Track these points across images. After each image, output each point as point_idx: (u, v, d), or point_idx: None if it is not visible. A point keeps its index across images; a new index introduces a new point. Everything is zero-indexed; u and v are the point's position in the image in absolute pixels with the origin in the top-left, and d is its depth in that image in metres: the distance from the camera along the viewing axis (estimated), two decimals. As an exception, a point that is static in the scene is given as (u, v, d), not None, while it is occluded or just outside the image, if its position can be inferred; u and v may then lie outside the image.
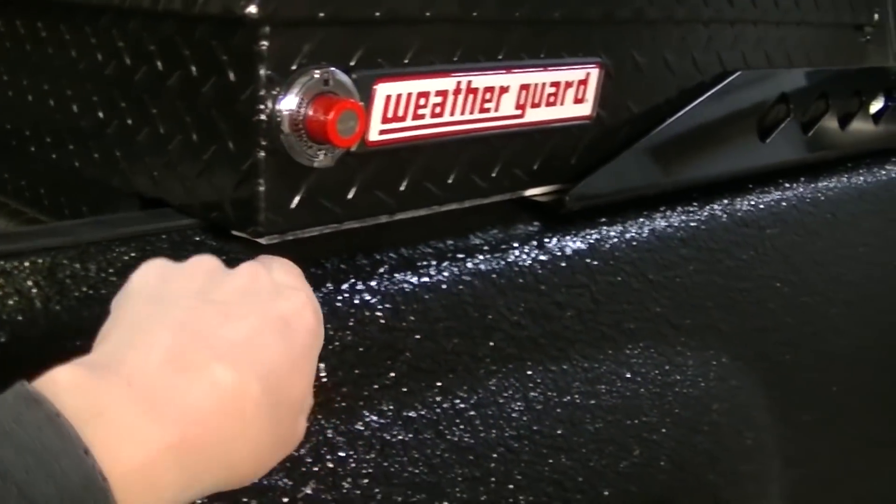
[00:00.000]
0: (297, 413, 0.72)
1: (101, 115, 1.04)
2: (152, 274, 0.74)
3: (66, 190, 1.18)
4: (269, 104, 0.84)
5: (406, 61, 0.92)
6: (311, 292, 0.77)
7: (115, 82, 1.01)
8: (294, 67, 0.84)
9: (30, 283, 0.80)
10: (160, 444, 0.59)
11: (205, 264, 0.76)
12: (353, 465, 0.88)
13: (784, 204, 1.36)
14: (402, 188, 0.96)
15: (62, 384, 0.59)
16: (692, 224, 1.20)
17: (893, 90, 1.61)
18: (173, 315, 0.67)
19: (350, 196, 0.91)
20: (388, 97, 0.91)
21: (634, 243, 1.12)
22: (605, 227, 1.10)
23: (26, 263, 0.81)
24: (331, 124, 0.83)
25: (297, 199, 0.88)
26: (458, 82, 0.96)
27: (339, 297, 0.87)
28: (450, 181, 1.00)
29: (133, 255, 0.86)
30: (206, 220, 0.93)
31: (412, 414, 0.92)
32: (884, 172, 1.58)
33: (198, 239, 0.91)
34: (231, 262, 0.82)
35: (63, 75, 1.10)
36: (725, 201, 1.27)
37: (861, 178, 1.53)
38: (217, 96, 0.88)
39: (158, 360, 0.63)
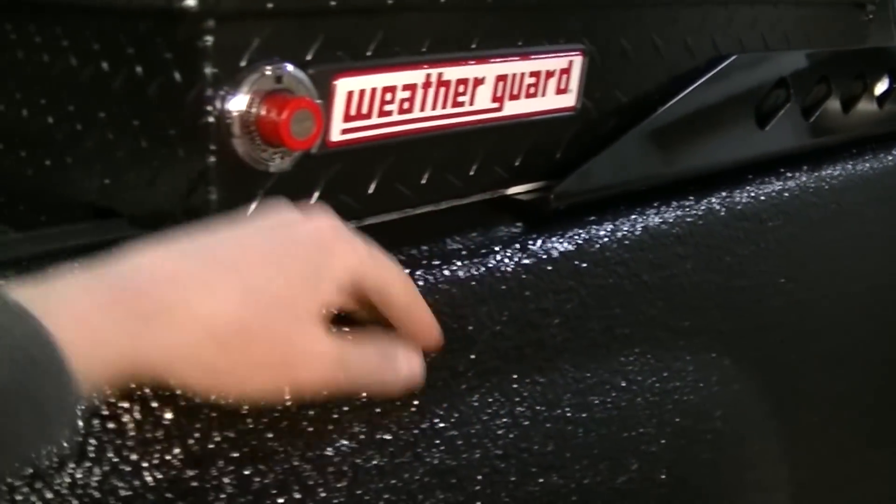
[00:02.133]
0: (282, 314, 0.67)
1: (49, 120, 0.97)
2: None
3: (23, 199, 1.11)
4: (217, 104, 0.77)
5: (369, 53, 0.85)
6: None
7: (61, 84, 0.94)
8: (243, 64, 0.77)
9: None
10: (94, 301, 0.60)
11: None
12: (324, 494, 0.80)
13: (786, 194, 1.28)
14: (369, 191, 0.89)
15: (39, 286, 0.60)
16: (688, 220, 1.12)
17: (898, 71, 1.54)
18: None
19: (312, 202, 0.84)
20: (350, 93, 0.84)
21: (626, 242, 1.05)
22: (593, 226, 1.03)
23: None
24: (283, 125, 0.76)
25: (252, 207, 0.80)
26: (428, 75, 0.89)
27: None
28: (423, 182, 0.93)
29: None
30: (158, 232, 0.86)
31: (387, 437, 0.84)
32: (890, 158, 1.50)
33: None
34: None
35: (9, 79, 1.02)
36: (723, 194, 1.19)
37: (867, 164, 1.45)
38: (163, 98, 0.81)
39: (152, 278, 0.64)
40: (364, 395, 0.79)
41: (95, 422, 0.66)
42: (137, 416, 0.69)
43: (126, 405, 0.68)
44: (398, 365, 0.76)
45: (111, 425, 0.68)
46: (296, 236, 0.70)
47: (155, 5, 0.78)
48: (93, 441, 0.67)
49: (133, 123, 0.85)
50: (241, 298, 0.65)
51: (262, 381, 0.67)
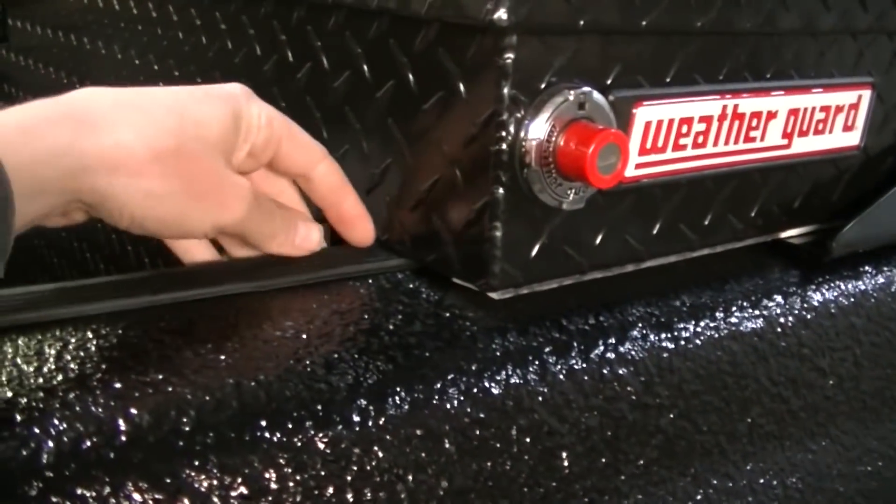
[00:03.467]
0: (213, 147, 0.70)
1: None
2: None
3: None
4: (512, 130, 0.68)
5: (668, 80, 0.76)
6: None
7: (307, 87, 0.87)
8: (543, 86, 0.69)
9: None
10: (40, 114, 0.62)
11: None
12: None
13: None
14: (654, 231, 0.80)
15: None
16: (957, 271, 1.02)
17: None
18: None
19: (597, 242, 0.76)
20: (648, 124, 0.75)
21: (899, 296, 0.95)
22: (868, 277, 0.93)
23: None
24: (590, 160, 0.67)
25: (537, 247, 0.72)
26: (724, 106, 0.80)
27: (587, 368, 0.70)
28: (706, 223, 0.84)
29: (337, 305, 0.72)
30: (420, 262, 0.78)
31: (662, 507, 0.75)
32: None
33: (411, 286, 0.76)
34: (455, 321, 0.70)
35: (243, 74, 0.95)
36: None
37: None
38: (442, 115, 0.73)
39: None
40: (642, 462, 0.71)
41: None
42: (411, 485, 0.62)
43: (400, 471, 0.61)
44: (297, 230, 0.78)
45: (384, 494, 0.61)
46: (220, 91, 0.72)
47: (446, 16, 0.69)
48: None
49: (397, 138, 0.78)
50: (179, 127, 0.67)
51: (195, 212, 0.68)
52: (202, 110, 0.69)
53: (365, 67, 0.80)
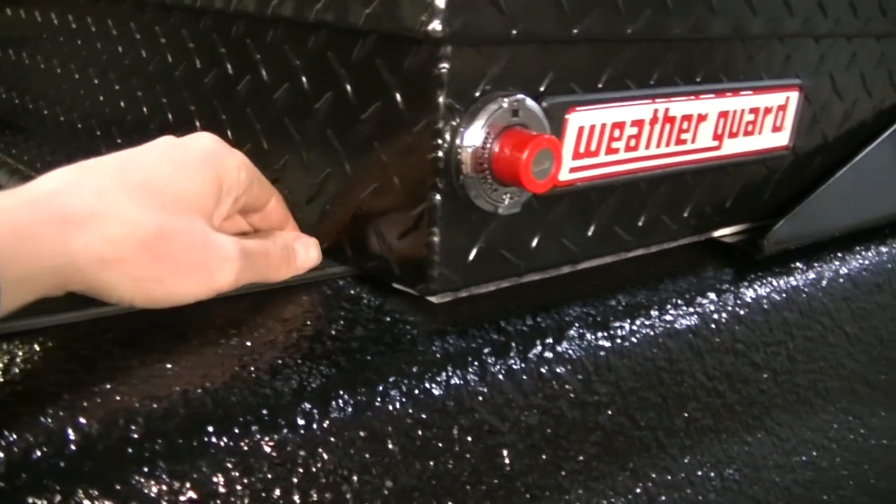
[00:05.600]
0: (195, 218, 0.69)
1: (230, 135, 0.91)
2: None
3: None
4: (448, 137, 0.70)
5: (600, 86, 0.78)
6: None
7: (248, 99, 0.88)
8: (478, 94, 0.71)
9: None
10: (29, 213, 0.62)
11: None
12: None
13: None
14: (589, 233, 0.82)
15: None
16: (888, 266, 1.05)
17: None
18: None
19: (533, 245, 0.78)
20: (581, 129, 0.77)
21: (830, 291, 0.98)
22: (800, 273, 0.96)
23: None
24: (524, 165, 0.69)
25: (475, 251, 0.74)
26: (656, 110, 0.82)
27: (526, 368, 0.72)
28: (640, 224, 0.86)
29: (280, 313, 0.74)
30: (360, 269, 0.79)
31: (602, 503, 0.77)
32: None
33: (353, 292, 0.77)
34: (396, 325, 0.73)
35: (186, 88, 0.97)
36: (920, 238, 1.11)
37: None
38: (380, 125, 0.74)
39: None
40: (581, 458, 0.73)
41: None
42: (356, 486, 0.64)
43: (345, 473, 0.63)
44: (296, 255, 0.79)
45: (330, 495, 0.62)
46: (190, 152, 0.72)
47: (383, 28, 0.71)
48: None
49: (337, 148, 0.79)
50: (162, 207, 0.67)
51: (186, 287, 0.68)
52: (183, 185, 0.69)
53: (304, 79, 0.81)
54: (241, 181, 0.74)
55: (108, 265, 0.64)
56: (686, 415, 0.84)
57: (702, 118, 0.86)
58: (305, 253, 0.79)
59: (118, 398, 0.61)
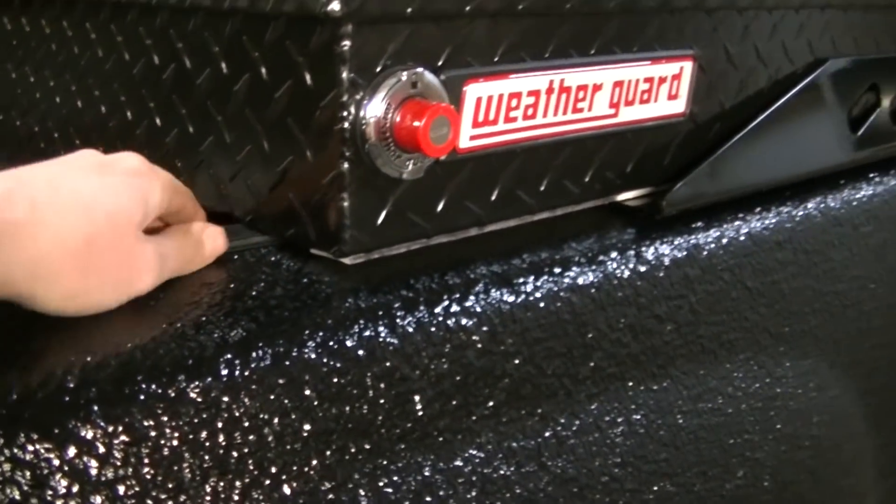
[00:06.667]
0: (120, 231, 0.72)
1: (158, 122, 0.96)
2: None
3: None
4: (353, 110, 0.76)
5: (496, 59, 0.84)
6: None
7: (173, 87, 0.93)
8: (379, 69, 0.77)
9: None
10: None
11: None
12: (454, 505, 0.80)
13: (876, 200, 1.27)
14: (492, 198, 0.88)
15: None
16: (787, 225, 1.11)
17: None
18: None
19: (439, 209, 0.84)
20: (479, 99, 0.83)
21: (731, 248, 1.04)
22: (701, 233, 1.02)
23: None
24: (422, 132, 0.75)
25: (383, 215, 0.80)
26: (551, 80, 0.88)
27: (434, 321, 0.78)
28: (542, 188, 0.92)
29: (205, 279, 0.79)
30: (281, 238, 0.85)
31: (513, 445, 0.83)
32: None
33: (273, 259, 0.83)
34: (312, 285, 0.78)
35: (116, 80, 1.02)
36: (818, 199, 1.18)
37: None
38: (292, 102, 0.80)
39: None
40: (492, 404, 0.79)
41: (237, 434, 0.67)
42: (277, 428, 0.69)
43: (266, 416, 0.69)
44: (205, 247, 0.82)
45: (253, 437, 0.68)
46: (118, 171, 0.74)
47: (287, 9, 0.77)
48: (234, 453, 0.67)
49: (255, 127, 0.84)
50: (93, 222, 0.68)
51: (112, 297, 0.71)
52: (111, 202, 0.71)
53: (223, 64, 0.87)
54: (164, 199, 0.77)
55: (37, 278, 0.66)
56: (592, 364, 0.89)
57: (597, 87, 0.92)
58: (213, 243, 0.83)
59: (55, 354, 0.66)
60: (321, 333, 0.72)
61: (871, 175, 1.30)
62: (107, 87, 1.04)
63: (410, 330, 0.76)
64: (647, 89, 0.98)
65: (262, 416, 0.68)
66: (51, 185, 0.69)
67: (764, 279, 1.09)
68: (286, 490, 0.69)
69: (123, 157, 0.76)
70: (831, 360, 1.22)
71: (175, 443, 0.65)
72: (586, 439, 0.89)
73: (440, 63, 0.80)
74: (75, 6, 1.07)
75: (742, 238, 1.06)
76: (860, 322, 1.28)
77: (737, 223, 1.07)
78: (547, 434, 0.86)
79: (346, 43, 0.75)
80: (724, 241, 1.04)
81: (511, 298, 0.83)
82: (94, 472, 0.61)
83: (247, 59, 0.84)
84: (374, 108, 0.76)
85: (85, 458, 0.61)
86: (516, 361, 0.83)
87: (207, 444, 0.66)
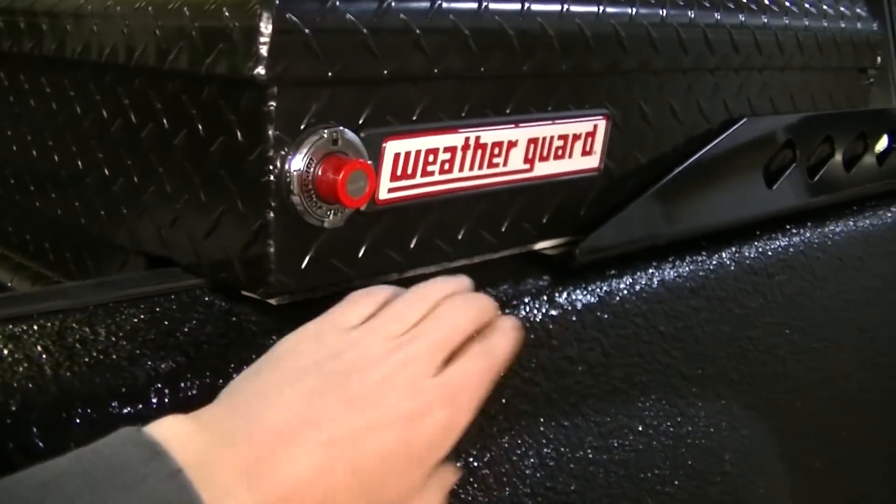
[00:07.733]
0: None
1: (106, 171, 1.03)
2: (294, 340, 0.77)
3: (72, 245, 1.17)
4: (278, 164, 0.83)
5: (414, 118, 0.91)
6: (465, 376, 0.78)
7: (120, 140, 1.00)
8: (303, 127, 0.84)
9: (39, 348, 0.79)
10: (233, 466, 0.64)
11: (352, 314, 0.79)
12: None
13: (791, 250, 1.35)
14: (411, 246, 0.95)
15: (177, 439, 0.63)
16: (701, 273, 1.19)
17: (897, 131, 1.61)
18: (296, 388, 0.71)
19: (360, 255, 0.91)
20: (397, 155, 0.90)
21: (644, 295, 1.11)
22: (614, 280, 1.09)
23: (35, 327, 0.81)
24: (340, 184, 0.83)
25: (307, 260, 0.87)
26: (467, 138, 0.95)
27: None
28: (459, 237, 0.99)
29: (142, 316, 0.86)
30: (214, 280, 0.92)
31: (426, 474, 0.90)
32: (889, 215, 1.57)
33: (207, 299, 0.90)
34: (241, 323, 0.82)
35: (68, 131, 1.09)
36: (733, 249, 1.26)
37: (867, 220, 1.52)
38: (225, 156, 0.87)
39: (267, 428, 0.67)
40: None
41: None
42: None
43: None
44: (497, 346, 0.82)
45: None
46: (415, 439, 0.74)
47: (220, 72, 0.84)
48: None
49: (193, 179, 0.91)
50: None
51: None
52: (387, 482, 0.72)
53: (164, 120, 0.94)
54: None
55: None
56: (504, 400, 0.96)
57: (512, 144, 1.00)
58: (506, 339, 0.83)
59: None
60: (247, 367, 0.79)
61: (788, 227, 1.38)
62: (60, 139, 1.11)
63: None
64: (562, 146, 1.05)
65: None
66: (361, 485, 0.70)
67: (677, 324, 1.16)
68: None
69: (428, 412, 0.74)
70: (745, 401, 1.29)
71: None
72: (497, 470, 0.96)
73: (361, 121, 0.87)
74: (31, 63, 1.14)
75: (655, 285, 1.13)
76: (775, 366, 1.35)
77: (650, 271, 1.14)
78: (458, 464, 0.92)
79: (272, 103, 0.82)
80: (637, 287, 1.11)
81: (426, 338, 0.90)
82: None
83: (185, 116, 0.91)
84: (298, 163, 0.83)
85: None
86: (430, 397, 0.90)
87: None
